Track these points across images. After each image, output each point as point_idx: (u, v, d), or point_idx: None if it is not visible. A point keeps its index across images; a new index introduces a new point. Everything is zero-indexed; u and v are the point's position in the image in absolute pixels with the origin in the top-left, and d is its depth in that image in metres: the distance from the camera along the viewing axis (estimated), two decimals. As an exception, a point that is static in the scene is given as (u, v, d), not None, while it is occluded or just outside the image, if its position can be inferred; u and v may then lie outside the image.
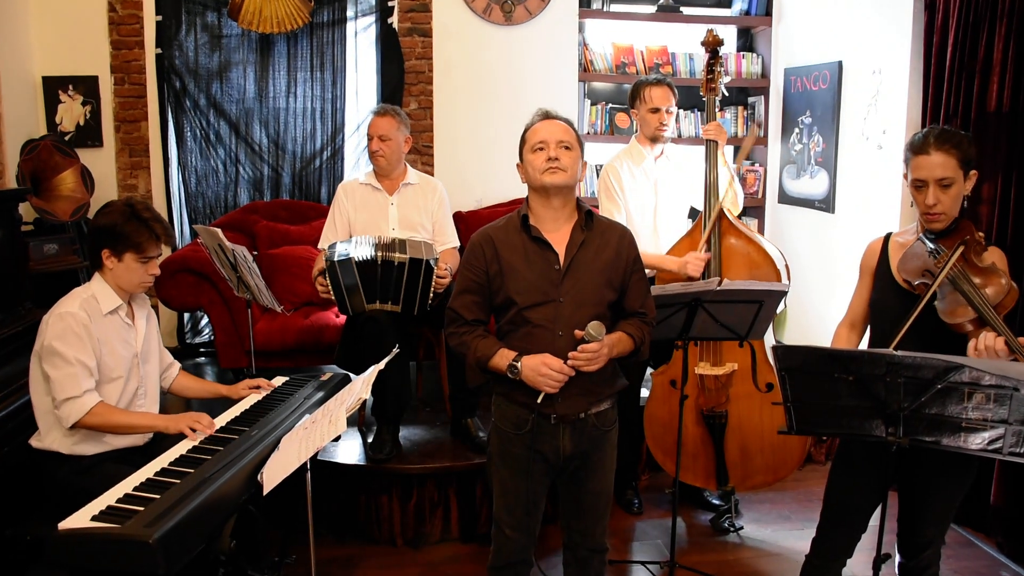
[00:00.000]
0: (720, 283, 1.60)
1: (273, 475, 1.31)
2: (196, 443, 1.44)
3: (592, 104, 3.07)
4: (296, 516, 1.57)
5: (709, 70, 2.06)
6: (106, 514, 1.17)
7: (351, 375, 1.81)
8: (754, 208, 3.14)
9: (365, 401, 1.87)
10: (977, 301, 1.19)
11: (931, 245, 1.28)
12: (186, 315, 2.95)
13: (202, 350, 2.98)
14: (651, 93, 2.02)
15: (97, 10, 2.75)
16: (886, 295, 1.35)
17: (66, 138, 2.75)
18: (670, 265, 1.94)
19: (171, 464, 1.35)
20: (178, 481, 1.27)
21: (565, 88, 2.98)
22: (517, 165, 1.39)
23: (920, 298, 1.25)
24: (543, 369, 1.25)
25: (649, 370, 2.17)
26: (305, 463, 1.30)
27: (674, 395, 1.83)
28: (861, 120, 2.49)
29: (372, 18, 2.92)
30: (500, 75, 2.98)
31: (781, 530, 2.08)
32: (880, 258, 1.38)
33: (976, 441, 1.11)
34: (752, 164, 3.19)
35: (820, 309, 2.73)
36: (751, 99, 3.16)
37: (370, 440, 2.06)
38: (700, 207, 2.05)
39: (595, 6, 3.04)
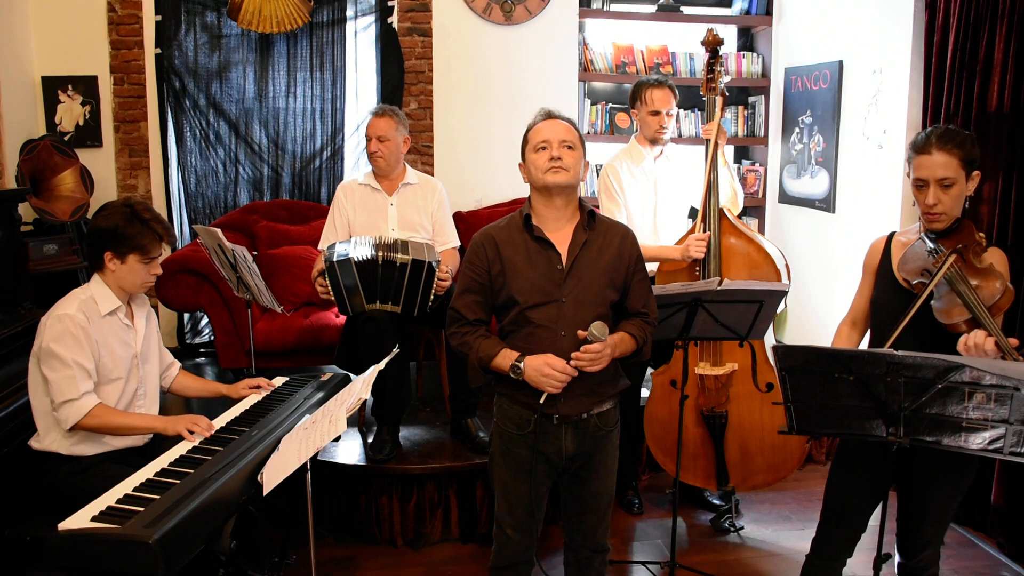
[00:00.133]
0: (720, 283, 1.59)
1: (273, 475, 1.30)
2: (196, 444, 1.44)
3: (592, 104, 3.07)
4: (296, 516, 1.57)
5: (709, 70, 2.06)
6: (106, 515, 1.17)
7: (351, 375, 1.80)
8: (754, 208, 3.14)
9: (365, 401, 1.87)
10: (972, 302, 1.19)
11: (931, 245, 1.28)
12: (186, 315, 2.95)
13: (202, 350, 2.98)
14: (652, 95, 2.02)
15: (96, 10, 2.75)
16: (886, 294, 1.35)
17: (65, 138, 2.75)
18: (672, 254, 1.94)
19: (171, 464, 1.35)
20: (178, 482, 1.27)
21: (565, 88, 2.98)
22: (519, 165, 1.39)
23: (917, 297, 1.25)
24: (546, 369, 1.25)
25: (649, 370, 2.17)
26: (305, 463, 1.30)
27: (674, 395, 1.83)
28: (861, 120, 2.48)
29: (372, 18, 2.92)
30: (500, 75, 2.98)
31: (781, 530, 2.08)
32: (882, 257, 1.38)
33: (977, 441, 1.11)
34: (752, 164, 3.19)
35: (820, 309, 2.73)
36: (751, 99, 3.16)
37: (370, 440, 2.06)
38: (699, 206, 2.05)
39: (595, 5, 3.04)
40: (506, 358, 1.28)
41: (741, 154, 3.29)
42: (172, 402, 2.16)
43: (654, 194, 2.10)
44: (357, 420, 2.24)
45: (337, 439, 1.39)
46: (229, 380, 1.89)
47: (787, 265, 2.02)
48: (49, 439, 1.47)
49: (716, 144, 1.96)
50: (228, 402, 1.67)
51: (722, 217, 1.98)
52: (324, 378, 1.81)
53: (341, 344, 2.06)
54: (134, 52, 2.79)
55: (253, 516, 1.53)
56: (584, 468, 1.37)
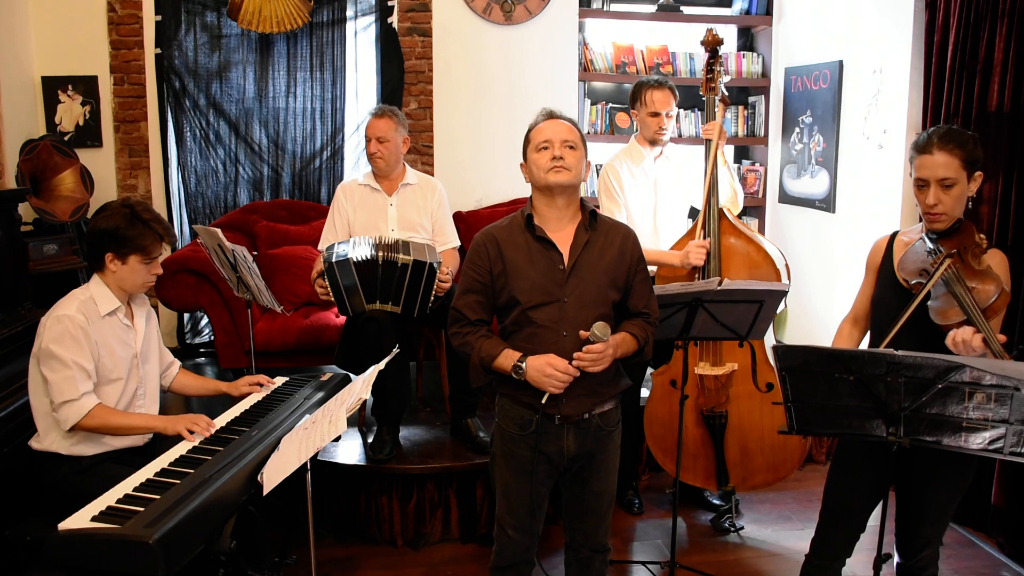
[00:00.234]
0: (720, 283, 1.59)
1: (273, 475, 1.30)
2: (196, 443, 1.44)
3: (592, 104, 3.07)
4: (296, 516, 1.57)
5: (709, 70, 2.06)
6: (106, 515, 1.17)
7: (351, 375, 1.80)
8: (754, 208, 3.13)
9: (365, 401, 1.87)
10: (967, 304, 1.19)
11: (930, 245, 1.28)
12: (186, 315, 2.95)
13: (202, 350, 2.98)
14: (652, 96, 2.02)
15: (96, 10, 2.75)
16: (887, 293, 1.35)
17: (65, 138, 2.75)
18: (672, 259, 1.94)
19: (171, 464, 1.35)
20: (178, 482, 1.27)
21: (565, 88, 2.98)
22: (521, 165, 1.39)
23: (915, 297, 1.25)
24: (548, 370, 1.25)
25: (649, 370, 2.17)
26: (305, 463, 1.30)
27: (674, 395, 1.83)
28: (862, 120, 2.48)
29: (372, 18, 2.92)
30: (500, 75, 2.98)
31: (782, 530, 2.08)
32: (884, 256, 1.38)
33: (977, 441, 1.11)
34: (752, 164, 3.19)
35: (820, 309, 2.73)
36: (751, 99, 3.16)
37: (370, 440, 2.06)
38: (700, 206, 2.05)
39: (595, 5, 3.04)
40: (508, 358, 1.28)
41: (741, 154, 3.29)
42: (172, 401, 2.16)
43: (654, 194, 2.09)
44: (357, 420, 2.24)
45: (337, 439, 1.39)
46: (229, 380, 1.89)
47: (787, 265, 2.02)
48: (49, 439, 1.47)
49: (716, 144, 1.96)
50: (228, 401, 1.67)
51: (722, 217, 1.98)
52: (324, 378, 1.81)
53: (341, 344, 2.06)
54: (134, 52, 2.79)
55: (253, 516, 1.53)
56: (586, 468, 1.37)
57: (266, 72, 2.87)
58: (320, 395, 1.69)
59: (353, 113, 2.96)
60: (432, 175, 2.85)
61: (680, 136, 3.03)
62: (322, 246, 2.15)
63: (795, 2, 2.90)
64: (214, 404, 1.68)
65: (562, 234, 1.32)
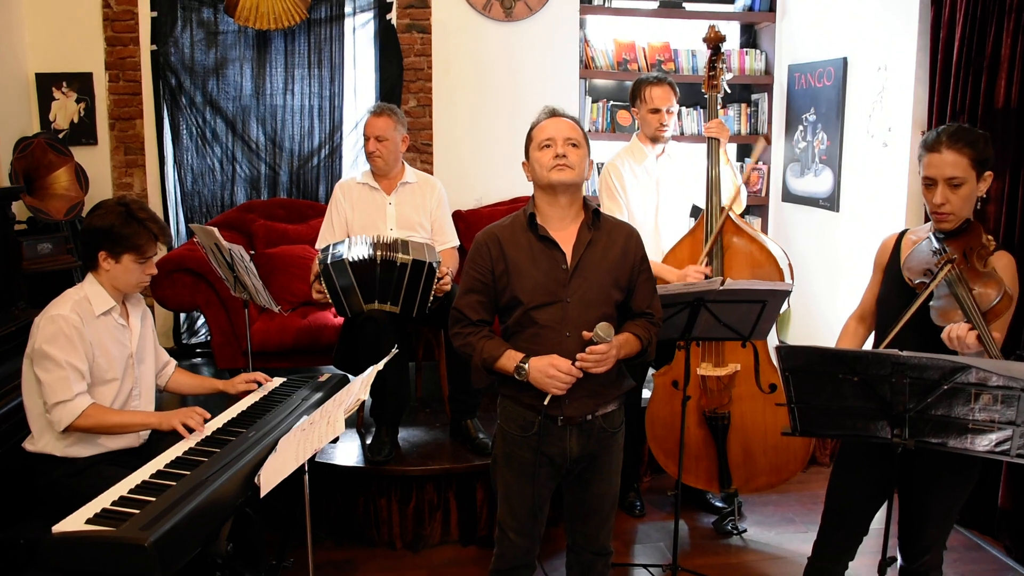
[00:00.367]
0: (723, 282, 1.58)
1: (270, 477, 1.29)
2: (192, 445, 1.42)
3: (593, 101, 3.05)
4: (294, 519, 1.56)
5: (711, 67, 2.04)
6: (101, 517, 1.15)
7: (349, 376, 1.79)
8: (757, 206, 3.12)
9: (364, 402, 1.86)
10: (968, 306, 1.18)
11: (936, 245, 1.26)
12: (182, 315, 2.93)
13: (199, 351, 2.96)
14: (651, 93, 2.00)
15: (91, 6, 2.72)
16: (893, 292, 1.34)
17: (60, 136, 2.72)
18: (668, 276, 1.93)
19: (167, 466, 1.33)
20: (174, 483, 1.25)
21: (566, 85, 2.96)
22: (523, 164, 1.38)
23: (918, 296, 1.23)
24: (551, 371, 1.23)
25: (651, 371, 2.15)
26: (303, 465, 1.28)
27: (676, 396, 1.81)
28: (866, 117, 2.46)
29: (370, 14, 2.89)
30: (500, 72, 2.96)
31: (785, 533, 2.06)
32: (892, 254, 1.37)
33: (983, 443, 1.10)
34: (755, 162, 3.16)
35: (824, 309, 2.71)
36: (754, 96, 3.14)
37: (369, 442, 2.04)
38: (702, 205, 2.03)
39: (596, 2, 3.02)
40: (510, 359, 1.27)
41: (744, 152, 3.27)
42: (169, 401, 2.14)
43: (656, 193, 2.08)
44: (356, 421, 2.22)
45: (335, 440, 1.38)
46: (226, 379, 1.87)
47: (790, 264, 2.00)
48: (43, 441, 1.45)
49: (719, 142, 1.95)
50: (225, 400, 1.66)
51: (725, 223, 1.96)
52: (322, 379, 1.79)
53: (339, 344, 2.04)
54: (129, 49, 2.76)
55: (250, 518, 1.51)
56: (588, 470, 1.36)
57: (263, 69, 2.85)
58: (318, 396, 1.68)
59: (351, 111, 2.94)
60: (431, 174, 2.83)
61: (682, 134, 3.01)
62: (320, 245, 2.13)
63: (798, -1, 2.88)
64: (211, 403, 1.66)
65: (565, 233, 1.31)
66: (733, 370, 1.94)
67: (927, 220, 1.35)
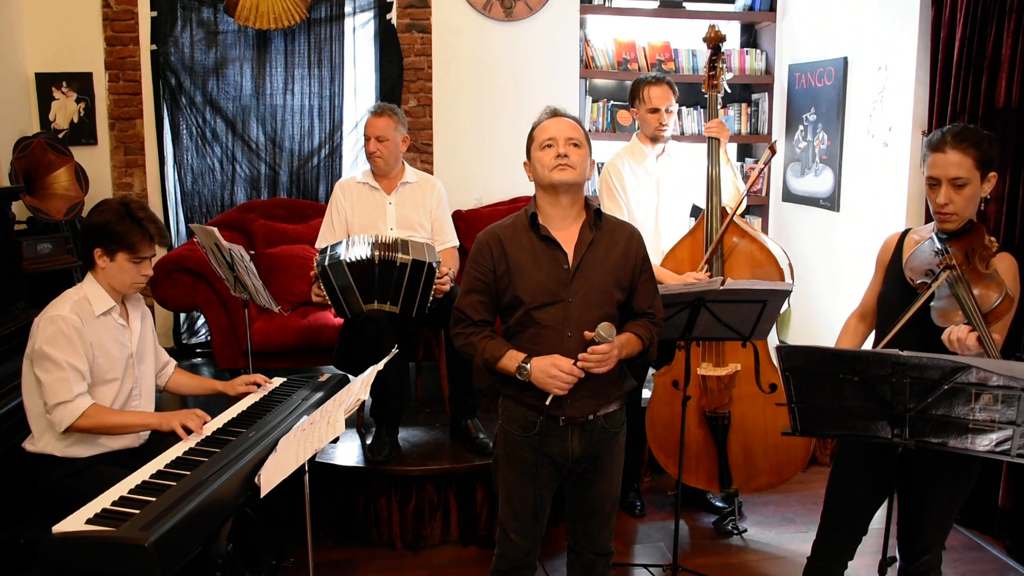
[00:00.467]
0: (723, 282, 1.58)
1: (271, 477, 1.28)
2: (192, 445, 1.42)
3: (593, 101, 3.04)
4: (294, 519, 1.56)
5: (711, 66, 2.03)
6: (101, 517, 1.15)
7: (349, 376, 1.79)
8: (758, 206, 3.11)
9: (364, 402, 1.86)
10: (969, 307, 1.18)
11: (938, 245, 1.26)
12: (182, 315, 2.92)
13: (199, 351, 2.96)
14: (650, 93, 2.00)
15: (91, 6, 2.72)
16: (894, 291, 1.34)
17: (60, 136, 2.72)
18: (667, 280, 1.93)
19: (167, 466, 1.33)
20: (174, 484, 1.25)
21: (566, 85, 2.96)
22: (524, 164, 1.38)
23: (919, 296, 1.23)
24: (552, 371, 1.23)
25: (651, 371, 2.15)
26: (303, 465, 1.28)
27: (676, 396, 1.81)
28: (867, 117, 2.46)
29: (370, 14, 2.89)
30: (500, 72, 2.95)
31: (785, 533, 2.06)
32: (894, 253, 1.37)
33: (984, 443, 1.10)
34: (756, 162, 3.16)
35: (825, 309, 2.71)
36: (755, 96, 3.13)
37: (369, 442, 2.04)
38: (702, 205, 2.03)
39: (596, 2, 3.02)
40: (512, 359, 1.27)
41: (744, 152, 3.27)
42: (168, 401, 2.14)
43: (656, 193, 2.07)
44: (356, 421, 2.22)
45: (335, 440, 1.38)
46: (226, 380, 1.87)
47: (791, 264, 2.00)
48: (43, 441, 1.45)
49: (719, 142, 1.95)
50: (225, 401, 1.66)
51: (724, 216, 1.96)
52: (322, 379, 1.79)
53: (339, 344, 2.04)
54: (129, 48, 2.76)
55: (250, 518, 1.51)
56: (590, 470, 1.36)
57: (263, 69, 2.84)
58: (318, 396, 1.68)
59: (351, 111, 2.94)
60: (431, 173, 2.83)
61: (683, 134, 3.01)
62: (320, 244, 2.13)
63: (798, -2, 2.88)
64: (211, 404, 1.66)
65: (566, 233, 1.31)
66: (733, 370, 1.94)
67: (928, 220, 1.35)
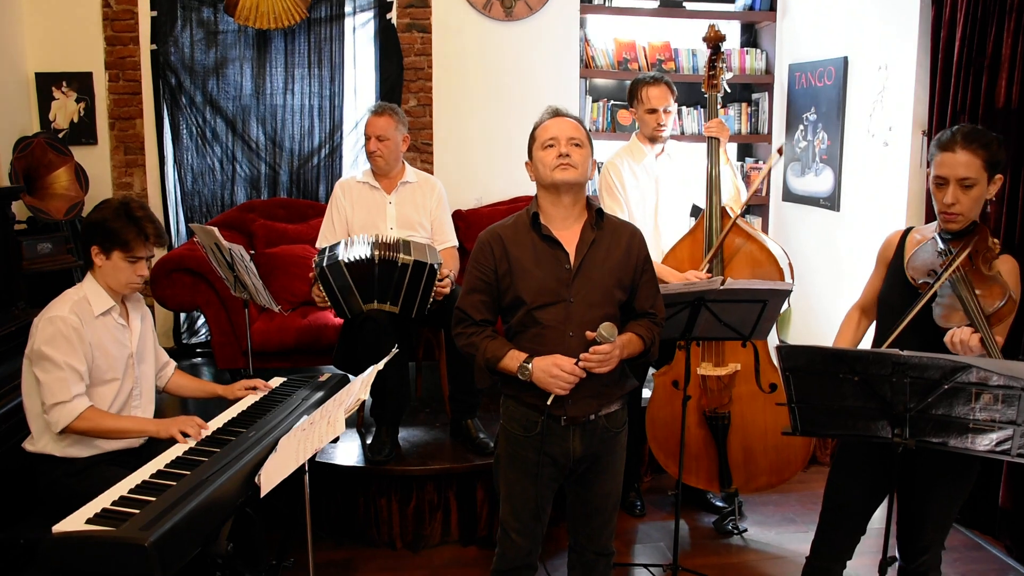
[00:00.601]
0: (723, 282, 1.58)
1: (271, 477, 1.28)
2: (192, 445, 1.42)
3: (594, 101, 3.04)
4: (294, 518, 1.56)
5: (711, 66, 2.03)
6: (101, 517, 1.15)
7: (349, 376, 1.78)
8: (758, 206, 3.11)
9: (364, 402, 1.85)
10: (971, 308, 1.18)
11: (941, 245, 1.26)
12: (182, 315, 2.92)
13: (199, 351, 2.96)
14: (648, 93, 2.00)
15: (91, 5, 2.72)
16: (894, 290, 1.34)
17: (60, 135, 2.72)
18: (669, 279, 1.93)
19: (167, 466, 1.33)
20: (174, 483, 1.25)
21: (566, 85, 2.96)
22: (526, 164, 1.38)
23: (921, 296, 1.23)
24: (554, 370, 1.24)
25: (651, 371, 2.15)
26: (303, 465, 1.28)
27: (676, 396, 1.81)
28: (867, 117, 2.46)
29: (370, 14, 2.89)
30: (500, 72, 2.95)
31: (785, 532, 2.06)
32: (895, 252, 1.37)
33: (984, 442, 1.10)
34: (756, 162, 3.16)
35: (825, 308, 2.71)
36: (755, 95, 3.13)
37: (369, 441, 2.04)
38: (702, 205, 2.03)
39: (596, 1, 3.01)
40: (514, 359, 1.27)
41: (745, 151, 3.27)
42: (168, 402, 2.14)
43: (656, 193, 2.07)
44: (356, 421, 2.22)
45: (335, 440, 1.38)
46: (226, 381, 1.88)
47: (791, 264, 2.00)
48: (43, 441, 1.45)
49: (719, 141, 1.95)
50: (225, 403, 1.65)
51: (724, 215, 1.95)
52: (322, 379, 1.79)
53: (339, 344, 2.04)
54: (129, 48, 2.76)
55: (250, 518, 1.51)
56: (591, 470, 1.36)
57: (263, 69, 2.84)
58: (318, 396, 1.68)
59: (351, 110, 2.94)
60: (431, 173, 2.83)
61: (683, 134, 3.01)
62: (320, 244, 2.13)
63: (798, -2, 2.88)
64: (210, 406, 1.66)
65: (568, 233, 1.31)
66: (733, 370, 1.94)
67: (929, 220, 1.35)
